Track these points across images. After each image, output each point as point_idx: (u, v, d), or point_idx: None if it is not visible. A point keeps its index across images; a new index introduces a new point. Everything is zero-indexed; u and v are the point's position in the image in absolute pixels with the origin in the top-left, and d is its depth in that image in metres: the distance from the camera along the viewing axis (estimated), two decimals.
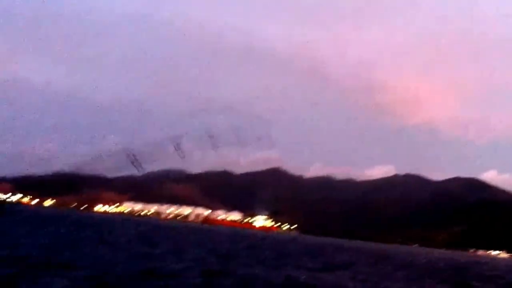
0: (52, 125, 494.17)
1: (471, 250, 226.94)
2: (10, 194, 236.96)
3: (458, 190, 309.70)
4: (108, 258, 24.84)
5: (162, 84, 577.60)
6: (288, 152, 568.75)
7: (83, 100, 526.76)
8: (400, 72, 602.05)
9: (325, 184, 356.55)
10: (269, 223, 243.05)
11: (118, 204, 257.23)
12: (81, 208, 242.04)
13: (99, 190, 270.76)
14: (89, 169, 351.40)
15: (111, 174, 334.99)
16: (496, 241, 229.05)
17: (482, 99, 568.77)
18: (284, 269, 28.30)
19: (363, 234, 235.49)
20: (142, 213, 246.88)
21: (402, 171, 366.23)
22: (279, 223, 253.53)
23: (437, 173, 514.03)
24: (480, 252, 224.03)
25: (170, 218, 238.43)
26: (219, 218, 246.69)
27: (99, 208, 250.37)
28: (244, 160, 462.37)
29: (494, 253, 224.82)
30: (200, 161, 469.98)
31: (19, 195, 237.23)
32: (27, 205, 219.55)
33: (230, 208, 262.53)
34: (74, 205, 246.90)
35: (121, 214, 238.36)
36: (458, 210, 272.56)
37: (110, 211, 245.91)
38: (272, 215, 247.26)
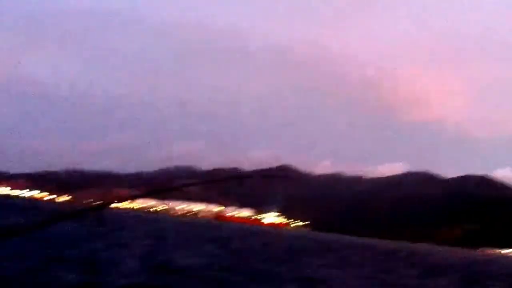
0: (66, 122, 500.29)
1: (482, 248, 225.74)
2: (26, 190, 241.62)
3: (470, 187, 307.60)
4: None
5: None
6: (297, 149, 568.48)
7: (97, 97, 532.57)
8: (412, 68, 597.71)
9: (334, 181, 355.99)
10: (278, 220, 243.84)
11: (130, 200, 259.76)
12: (95, 204, 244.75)
13: (112, 186, 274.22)
14: (102, 166, 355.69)
15: (123, 170, 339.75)
16: (508, 239, 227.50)
17: (495, 95, 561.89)
18: (297, 265, 29.11)
19: (373, 231, 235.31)
20: (153, 209, 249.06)
21: (413, 168, 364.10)
22: (289, 220, 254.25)
23: (448, 171, 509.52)
24: (492, 251, 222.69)
25: (181, 214, 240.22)
26: (229, 214, 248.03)
27: (112, 204, 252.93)
28: (254, 157, 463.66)
29: (505, 251, 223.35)
30: (210, 158, 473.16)
31: (35, 191, 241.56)
32: (41, 200, 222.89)
33: (240, 204, 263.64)
34: (88, 201, 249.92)
35: (133, 210, 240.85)
36: (470, 207, 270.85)
37: (122, 207, 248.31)
38: (282, 212, 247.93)
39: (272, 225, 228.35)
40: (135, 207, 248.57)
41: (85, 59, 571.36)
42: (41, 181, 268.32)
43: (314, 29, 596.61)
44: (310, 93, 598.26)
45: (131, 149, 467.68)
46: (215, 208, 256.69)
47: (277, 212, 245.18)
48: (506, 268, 66.87)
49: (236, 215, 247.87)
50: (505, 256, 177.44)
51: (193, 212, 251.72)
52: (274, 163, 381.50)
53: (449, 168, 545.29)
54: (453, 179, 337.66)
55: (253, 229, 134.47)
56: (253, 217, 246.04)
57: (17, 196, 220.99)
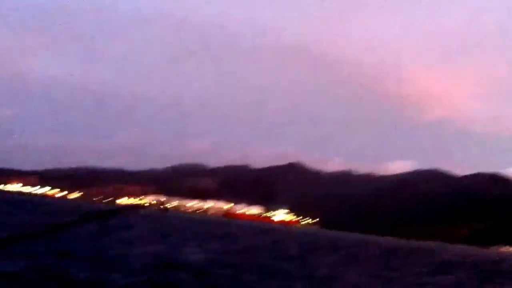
0: (77, 120, 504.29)
1: (494, 246, 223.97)
2: (38, 187, 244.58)
3: (481, 185, 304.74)
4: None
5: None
6: (307, 146, 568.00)
7: (109, 95, 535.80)
8: (423, 65, 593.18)
9: (344, 178, 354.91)
10: (288, 217, 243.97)
11: (141, 197, 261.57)
12: (106, 201, 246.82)
13: (123, 183, 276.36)
14: (113, 163, 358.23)
15: (134, 167, 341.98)
16: None
17: (506, 93, 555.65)
18: (306, 263, 29.16)
19: (382, 229, 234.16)
20: (164, 206, 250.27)
21: (423, 166, 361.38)
22: (299, 218, 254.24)
23: (459, 168, 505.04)
24: (503, 249, 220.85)
25: (191, 212, 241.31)
26: (239, 212, 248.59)
27: (123, 201, 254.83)
28: (264, 155, 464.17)
29: None
30: (220, 155, 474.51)
31: (46, 188, 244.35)
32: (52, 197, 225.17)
33: (250, 202, 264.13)
34: (99, 197, 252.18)
35: (143, 206, 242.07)
36: (481, 205, 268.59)
37: (132, 204, 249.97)
38: (292, 210, 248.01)
39: (282, 222, 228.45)
40: (145, 204, 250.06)
41: (96, 57, 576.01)
42: (52, 178, 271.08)
43: (327, 27, 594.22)
44: (320, 91, 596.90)
45: (142, 147, 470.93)
46: (224, 206, 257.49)
47: (287, 209, 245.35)
48: None
49: (245, 213, 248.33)
50: None
51: (203, 209, 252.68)
52: (283, 161, 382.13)
53: (459, 166, 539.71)
54: (463, 177, 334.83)
55: (263, 226, 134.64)
56: (263, 215, 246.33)
57: (29, 193, 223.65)
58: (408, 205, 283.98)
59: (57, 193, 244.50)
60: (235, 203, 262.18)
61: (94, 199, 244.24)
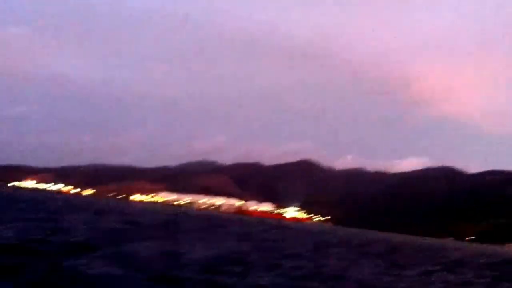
0: (90, 118, 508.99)
1: (508, 244, 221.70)
2: (52, 183, 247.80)
3: (493, 183, 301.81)
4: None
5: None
6: (319, 144, 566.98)
7: (121, 93, 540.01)
8: (436, 62, 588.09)
9: (356, 176, 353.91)
10: (300, 214, 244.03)
11: (153, 194, 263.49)
12: (118, 198, 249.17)
13: (135, 180, 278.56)
14: (125, 160, 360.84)
15: (147, 165, 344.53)
16: None
17: None
18: (317, 259, 29.28)
19: (395, 226, 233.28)
20: (176, 203, 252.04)
21: (436, 164, 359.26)
22: (310, 215, 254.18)
23: (472, 166, 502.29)
24: None
25: (203, 208, 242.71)
26: (251, 208, 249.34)
27: (135, 197, 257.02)
28: (275, 152, 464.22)
29: None
30: (231, 152, 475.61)
31: (60, 185, 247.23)
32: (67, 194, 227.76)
33: (261, 199, 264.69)
34: (112, 194, 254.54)
35: (156, 203, 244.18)
36: (494, 203, 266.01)
37: (145, 201, 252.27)
38: (303, 207, 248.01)
39: (294, 219, 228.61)
40: (158, 201, 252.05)
41: (108, 56, 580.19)
42: (66, 175, 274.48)
43: (342, 22, 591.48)
44: (332, 88, 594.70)
45: (154, 144, 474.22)
46: (236, 202, 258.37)
47: (298, 206, 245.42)
48: None
49: (257, 209, 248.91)
50: None
51: (215, 206, 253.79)
52: (295, 158, 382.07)
53: (472, 163, 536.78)
54: (477, 174, 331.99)
55: (275, 223, 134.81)
56: (274, 212, 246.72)
57: (44, 189, 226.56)
58: (420, 203, 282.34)
59: (71, 190, 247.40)
60: (247, 200, 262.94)
61: (107, 195, 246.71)
